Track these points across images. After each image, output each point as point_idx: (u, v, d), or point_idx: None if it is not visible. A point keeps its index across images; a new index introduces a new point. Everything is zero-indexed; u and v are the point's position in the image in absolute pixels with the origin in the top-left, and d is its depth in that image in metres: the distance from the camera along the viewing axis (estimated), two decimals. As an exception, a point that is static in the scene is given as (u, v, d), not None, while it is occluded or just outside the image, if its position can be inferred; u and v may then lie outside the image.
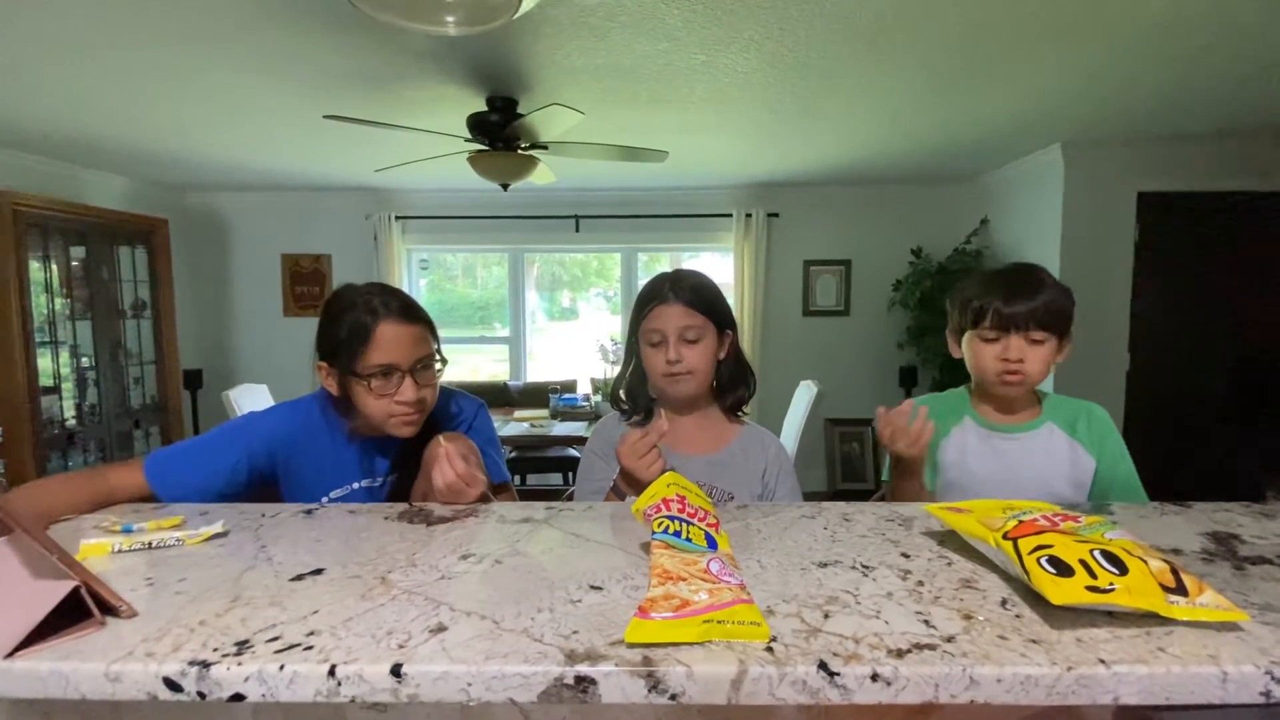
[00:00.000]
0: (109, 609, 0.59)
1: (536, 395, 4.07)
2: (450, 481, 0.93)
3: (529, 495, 4.04)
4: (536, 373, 4.75)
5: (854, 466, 4.45)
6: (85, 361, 3.70)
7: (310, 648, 0.54)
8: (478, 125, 2.55)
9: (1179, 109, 2.73)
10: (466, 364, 5.01)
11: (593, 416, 3.60)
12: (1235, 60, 2.21)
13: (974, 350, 1.16)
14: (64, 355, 3.59)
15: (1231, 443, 3.29)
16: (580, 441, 3.32)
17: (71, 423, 3.62)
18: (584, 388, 4.30)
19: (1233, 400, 3.34)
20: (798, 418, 3.46)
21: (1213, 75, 2.35)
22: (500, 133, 2.51)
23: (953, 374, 4.00)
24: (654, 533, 0.67)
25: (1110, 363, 3.35)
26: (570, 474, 3.97)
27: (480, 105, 2.54)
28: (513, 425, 3.45)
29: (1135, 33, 1.98)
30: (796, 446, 3.36)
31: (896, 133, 3.07)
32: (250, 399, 3.47)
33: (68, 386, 3.63)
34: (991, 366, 1.13)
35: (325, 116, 2.31)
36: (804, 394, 3.51)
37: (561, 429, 3.37)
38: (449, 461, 0.94)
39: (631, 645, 0.53)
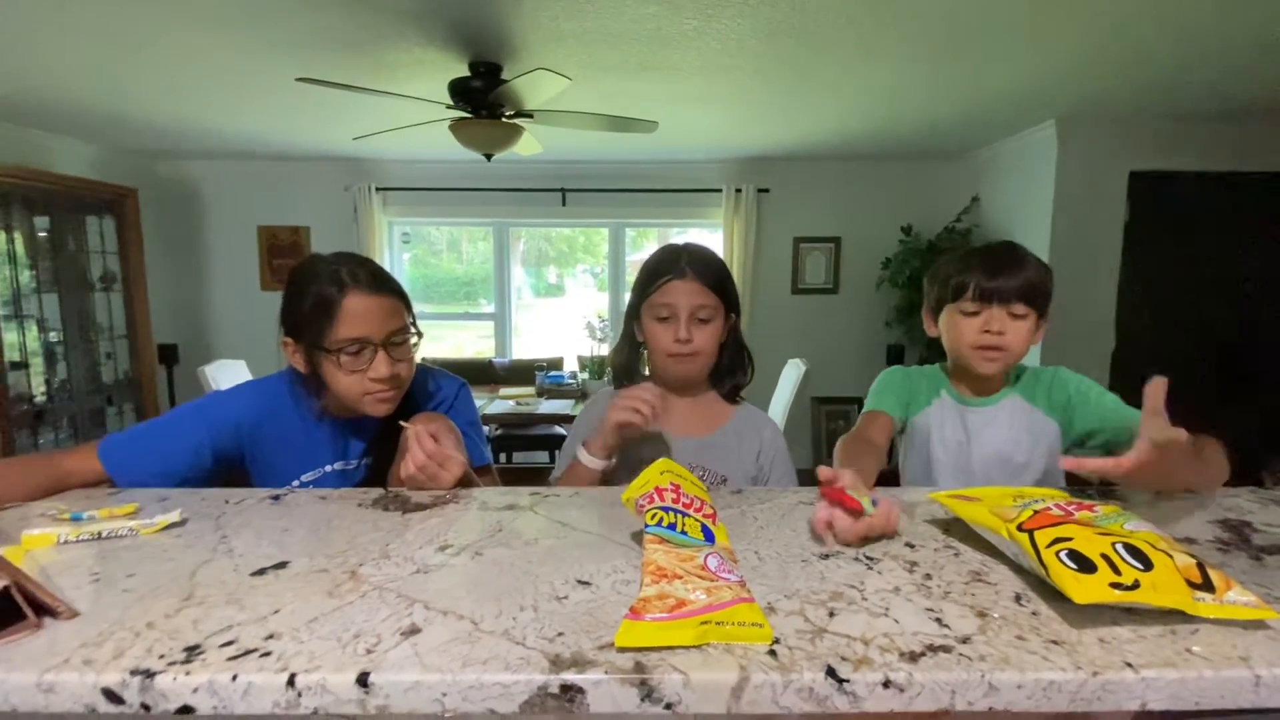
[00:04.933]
0: (45, 610, 0.54)
1: (522, 372, 4.01)
2: (421, 463, 0.87)
3: (514, 473, 3.99)
4: (522, 350, 4.68)
5: (841, 445, 4.45)
6: (54, 336, 3.58)
7: (268, 654, 0.49)
8: (460, 91, 2.45)
9: (1174, 87, 2.69)
10: (451, 340, 4.92)
11: (579, 395, 3.55)
12: (1231, 40, 2.17)
13: (953, 324, 1.14)
14: (31, 329, 3.46)
15: (1219, 421, 3.32)
16: (567, 420, 3.27)
17: (41, 399, 3.51)
18: (570, 365, 4.24)
19: (1220, 380, 3.36)
20: (785, 397, 3.43)
21: (1209, 54, 2.31)
22: (484, 99, 2.41)
23: (939, 354, 3.99)
24: (647, 525, 0.62)
25: (1096, 341, 3.35)
26: (556, 452, 3.93)
27: (463, 70, 2.43)
28: (498, 403, 3.39)
29: (1134, 8, 1.93)
30: (784, 425, 3.34)
31: (890, 106, 3.00)
32: (227, 375, 3.38)
33: (36, 362, 3.51)
34: (971, 339, 1.10)
35: (298, 79, 2.19)
36: (792, 373, 3.48)
37: (548, 407, 3.32)
38: (418, 442, 0.87)
39: (622, 650, 0.49)
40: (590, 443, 1.03)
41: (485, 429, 3.60)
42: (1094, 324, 3.34)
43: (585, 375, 3.80)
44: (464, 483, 0.99)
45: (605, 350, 3.72)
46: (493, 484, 1.14)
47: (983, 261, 1.11)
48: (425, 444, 0.88)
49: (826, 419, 4.46)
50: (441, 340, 4.83)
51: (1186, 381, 3.45)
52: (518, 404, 3.37)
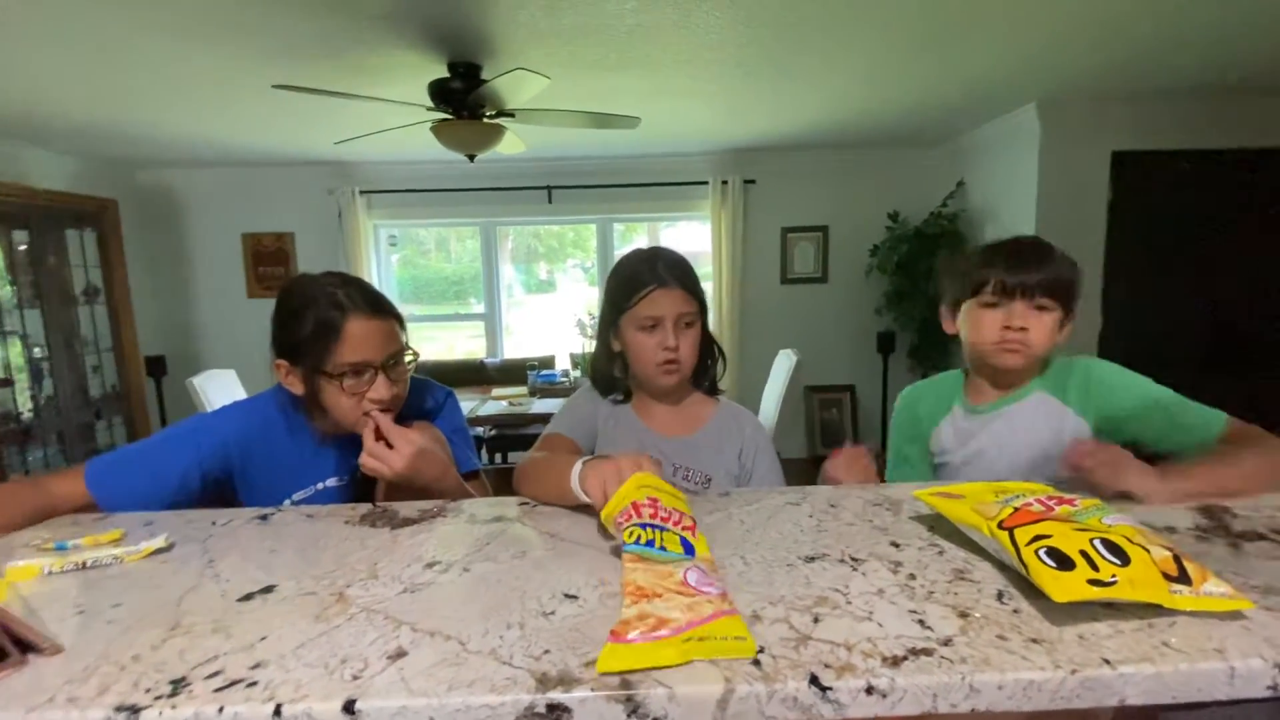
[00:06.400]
0: (29, 646, 0.53)
1: (515, 372, 4.00)
2: (370, 448, 0.91)
3: (509, 474, 3.99)
4: (514, 348, 4.67)
5: (833, 433, 4.48)
6: (38, 352, 3.55)
7: (254, 683, 0.49)
8: (440, 93, 2.43)
9: (1153, 66, 2.69)
10: (442, 341, 4.91)
11: (572, 392, 3.54)
12: (1209, 15, 2.17)
13: (973, 320, 1.08)
14: (15, 345, 3.43)
15: (1206, 401, 3.34)
16: (560, 418, 3.26)
17: (28, 416, 3.48)
18: (563, 363, 4.24)
19: (1207, 359, 3.38)
20: (777, 387, 3.44)
21: (1186, 31, 2.31)
22: (464, 100, 2.39)
23: (930, 339, 4.01)
24: (625, 544, 0.62)
25: (1082, 323, 3.36)
26: (551, 450, 3.92)
27: (442, 71, 2.41)
28: (491, 404, 3.39)
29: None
30: (776, 416, 3.35)
31: (873, 93, 3.00)
32: (217, 385, 3.36)
33: (21, 378, 3.48)
34: (992, 335, 1.05)
35: (274, 86, 2.17)
36: (783, 363, 3.49)
37: (541, 406, 3.32)
38: (370, 427, 0.91)
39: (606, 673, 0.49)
40: (589, 480, 0.78)
41: (479, 430, 3.61)
42: (1080, 305, 3.36)
43: (578, 373, 3.80)
44: (455, 491, 1.00)
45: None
46: (482, 490, 1.15)
47: (1006, 255, 1.06)
48: (381, 420, 0.92)
49: (820, 407, 4.48)
50: (433, 341, 4.82)
51: (1173, 362, 3.48)
52: (510, 404, 3.37)
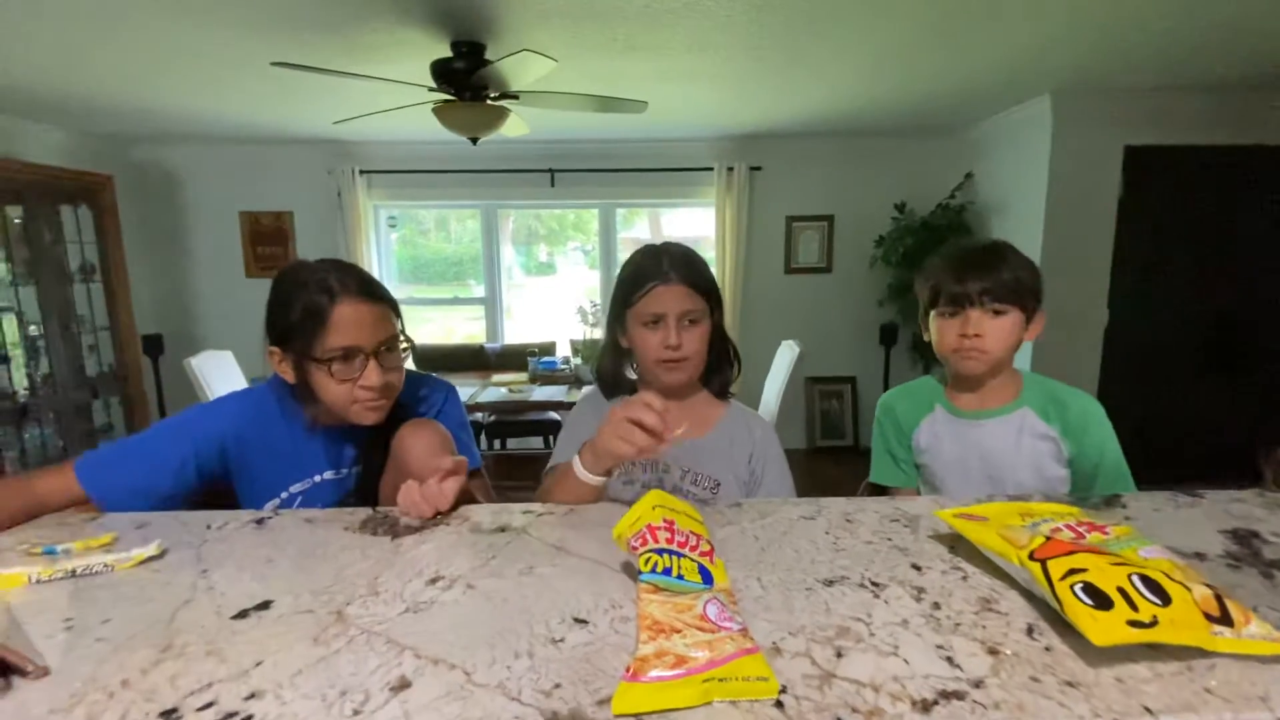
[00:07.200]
0: (13, 669, 0.51)
1: (515, 358, 3.97)
2: (423, 514, 0.83)
3: (508, 460, 3.98)
4: (514, 333, 4.63)
5: (833, 424, 4.46)
6: (34, 330, 3.50)
7: (249, 717, 0.46)
8: (443, 73, 2.36)
9: (1172, 58, 2.63)
10: (441, 324, 4.86)
11: (573, 380, 3.52)
12: (1230, 10, 2.11)
13: (936, 329, 1.13)
14: (10, 323, 3.38)
15: (1211, 398, 3.33)
16: (561, 407, 3.24)
17: (24, 395, 3.44)
18: (563, 349, 4.20)
19: (1216, 357, 3.35)
20: (779, 379, 3.41)
21: (1207, 24, 2.25)
22: (467, 81, 2.33)
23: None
24: (642, 573, 0.59)
25: (1089, 318, 3.34)
26: (550, 438, 3.91)
27: (445, 51, 2.35)
28: (491, 390, 3.36)
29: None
30: (777, 406, 3.33)
31: (883, 81, 2.94)
32: (214, 366, 3.32)
33: (17, 355, 3.44)
34: (951, 343, 1.09)
35: (273, 64, 2.11)
36: (785, 354, 3.46)
37: (541, 393, 3.29)
38: (428, 498, 0.83)
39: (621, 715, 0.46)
40: (586, 456, 0.88)
41: (478, 416, 3.59)
42: (1087, 301, 3.33)
43: (578, 360, 3.76)
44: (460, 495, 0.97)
45: (598, 334, 3.68)
46: (483, 487, 1.13)
47: (955, 263, 1.09)
48: (444, 497, 0.84)
49: (820, 398, 4.45)
50: (431, 322, 4.77)
51: (1181, 359, 3.45)
52: (510, 391, 3.34)
